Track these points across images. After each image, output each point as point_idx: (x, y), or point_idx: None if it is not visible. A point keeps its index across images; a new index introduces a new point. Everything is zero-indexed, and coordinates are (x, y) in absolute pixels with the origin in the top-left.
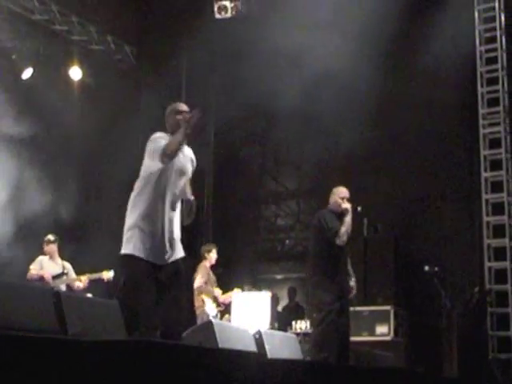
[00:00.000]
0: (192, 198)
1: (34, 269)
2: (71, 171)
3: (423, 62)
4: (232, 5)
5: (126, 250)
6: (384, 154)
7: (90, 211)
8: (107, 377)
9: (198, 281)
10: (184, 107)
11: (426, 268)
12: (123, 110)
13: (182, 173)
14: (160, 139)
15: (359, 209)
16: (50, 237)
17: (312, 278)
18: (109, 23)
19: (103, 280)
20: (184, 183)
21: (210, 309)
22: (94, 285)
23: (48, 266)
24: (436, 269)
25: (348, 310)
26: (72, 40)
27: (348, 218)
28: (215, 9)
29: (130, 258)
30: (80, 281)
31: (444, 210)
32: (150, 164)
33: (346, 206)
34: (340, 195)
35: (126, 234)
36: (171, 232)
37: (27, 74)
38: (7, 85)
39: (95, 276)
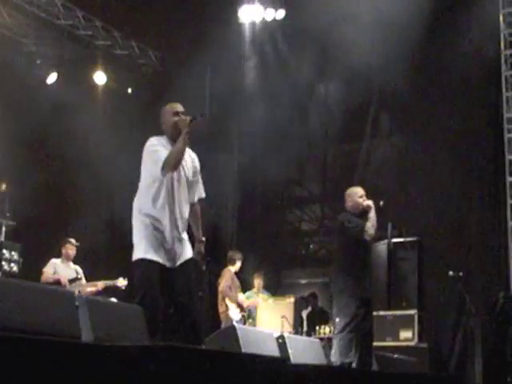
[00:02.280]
0: (203, 239)
1: (48, 272)
2: (95, 174)
3: (447, 67)
4: (257, 10)
5: (137, 255)
6: (408, 158)
7: (115, 214)
8: (131, 382)
9: (222, 285)
10: (180, 108)
11: (451, 273)
12: (147, 115)
13: (185, 177)
14: (156, 147)
15: (382, 203)
16: (73, 240)
17: (337, 282)
18: (133, 28)
19: (118, 287)
20: (193, 185)
21: (234, 313)
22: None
23: (62, 269)
24: (460, 273)
25: (371, 314)
26: (96, 45)
27: (372, 214)
28: (240, 14)
29: (141, 260)
30: (95, 286)
31: (468, 215)
32: (152, 171)
33: (368, 202)
34: (358, 194)
35: (135, 239)
36: (179, 236)
37: (52, 78)
38: (32, 89)
39: (110, 283)
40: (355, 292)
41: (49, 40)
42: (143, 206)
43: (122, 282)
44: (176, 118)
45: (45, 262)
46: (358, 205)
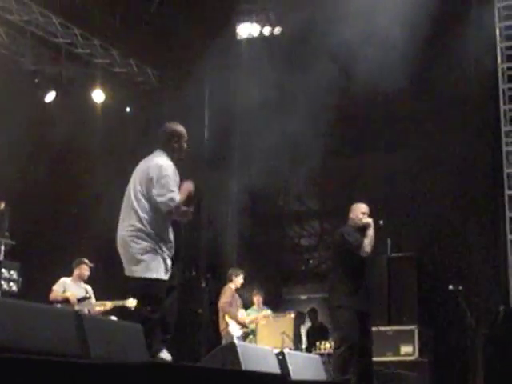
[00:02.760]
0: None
1: (57, 290)
2: (95, 191)
3: (445, 80)
4: (254, 28)
5: (152, 273)
6: (407, 174)
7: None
8: None
9: (222, 302)
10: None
11: (451, 287)
12: (146, 132)
13: None
14: (172, 181)
15: (381, 222)
16: (87, 261)
17: (334, 296)
18: (131, 46)
19: (127, 308)
20: None
21: (234, 330)
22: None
23: (71, 288)
24: (460, 288)
25: (371, 329)
26: (95, 63)
27: (370, 232)
28: (237, 30)
29: (157, 281)
30: (104, 306)
31: (468, 229)
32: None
33: (368, 220)
34: (361, 210)
35: (144, 256)
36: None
37: (50, 97)
38: (30, 108)
39: (119, 304)
40: (351, 306)
41: (47, 58)
42: (155, 227)
43: (131, 303)
44: (185, 145)
45: (49, 280)
46: (359, 220)
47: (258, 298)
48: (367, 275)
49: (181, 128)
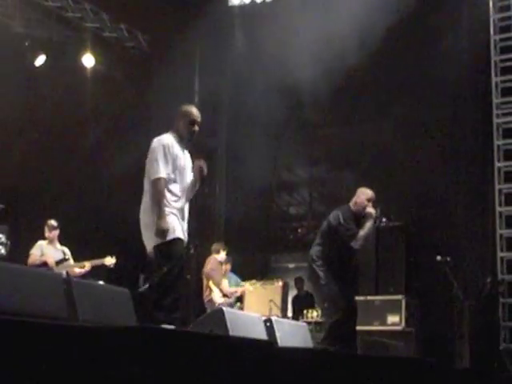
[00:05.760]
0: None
1: (35, 254)
2: (82, 158)
3: (437, 51)
4: None
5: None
6: (397, 144)
7: (99, 197)
8: (117, 363)
9: (208, 268)
10: (198, 116)
11: (438, 258)
12: (135, 98)
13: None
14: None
15: (384, 220)
16: (53, 222)
17: (320, 274)
18: (122, 11)
19: (105, 266)
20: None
21: (217, 297)
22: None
23: (48, 251)
24: (448, 259)
25: (355, 299)
26: (85, 27)
27: (370, 223)
28: None
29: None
30: (83, 267)
31: (457, 200)
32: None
33: (371, 210)
34: (367, 197)
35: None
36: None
37: (40, 60)
38: (20, 71)
39: (97, 262)
40: (342, 278)
41: (37, 22)
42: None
43: (110, 261)
44: (191, 127)
45: (33, 244)
46: (362, 206)
47: (226, 267)
48: (355, 253)
49: (187, 108)
